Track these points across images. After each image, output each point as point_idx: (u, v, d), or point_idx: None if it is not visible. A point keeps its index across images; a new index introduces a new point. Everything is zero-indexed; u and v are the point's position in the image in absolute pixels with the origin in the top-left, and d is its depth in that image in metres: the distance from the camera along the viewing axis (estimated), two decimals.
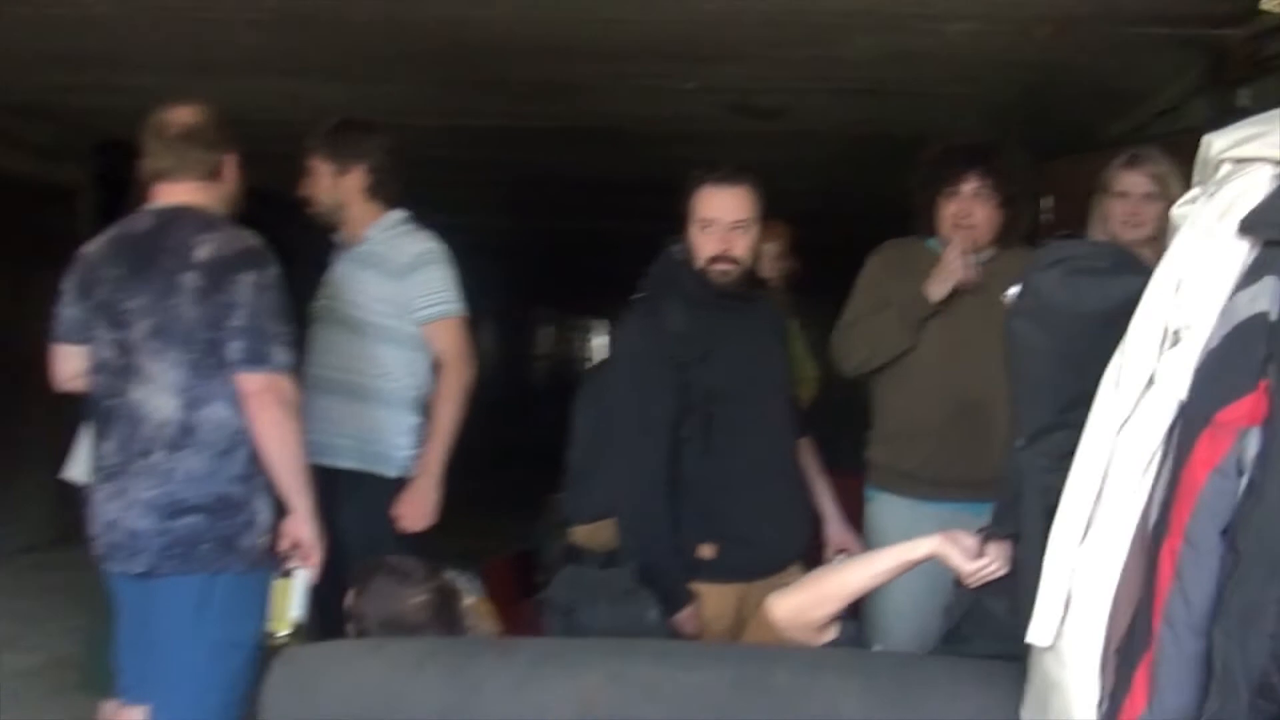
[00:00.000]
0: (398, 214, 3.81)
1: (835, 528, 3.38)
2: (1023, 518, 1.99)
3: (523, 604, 3.42)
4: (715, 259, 3.06)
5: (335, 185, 3.76)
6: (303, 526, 2.99)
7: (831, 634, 2.42)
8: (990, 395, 3.47)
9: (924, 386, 3.48)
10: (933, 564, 2.36)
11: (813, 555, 3.28)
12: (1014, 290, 1.93)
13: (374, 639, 2.62)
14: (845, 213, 9.28)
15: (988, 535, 2.24)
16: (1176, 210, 1.75)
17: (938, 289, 3.40)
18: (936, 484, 3.46)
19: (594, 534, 3.17)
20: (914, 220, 3.62)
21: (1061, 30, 4.85)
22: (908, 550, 2.36)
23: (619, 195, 9.62)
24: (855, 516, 3.55)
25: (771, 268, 4.88)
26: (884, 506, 3.55)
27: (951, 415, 3.44)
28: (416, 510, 3.64)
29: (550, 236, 13.35)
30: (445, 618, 2.71)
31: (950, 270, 3.38)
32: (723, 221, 3.05)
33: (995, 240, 3.51)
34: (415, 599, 2.67)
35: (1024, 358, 1.96)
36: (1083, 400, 1.91)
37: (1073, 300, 1.88)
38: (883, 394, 3.58)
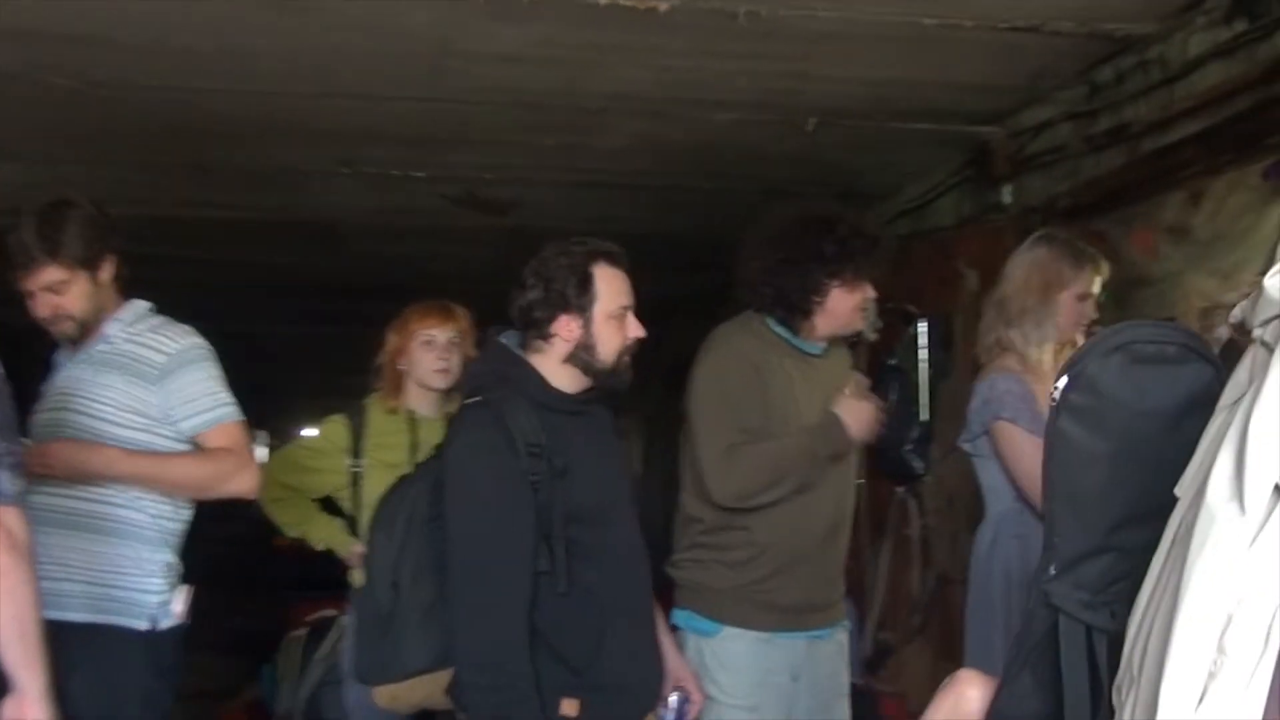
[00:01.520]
0: (141, 305, 3.11)
1: (675, 663, 2.90)
2: (1064, 667, 1.59)
3: None
4: (625, 351, 2.59)
5: (95, 290, 3.03)
6: (31, 710, 2.23)
7: None
8: (849, 508, 3.17)
9: (804, 512, 3.07)
10: None
11: None
12: (1062, 383, 1.55)
13: None
14: None
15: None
16: (1274, 281, 1.41)
17: (860, 436, 3.10)
18: (801, 614, 3.09)
19: (404, 694, 2.58)
20: (754, 293, 3.15)
21: (828, 123, 4.70)
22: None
23: (320, 298, 8.95)
24: None
25: None
26: (736, 644, 3.07)
27: (824, 538, 3.08)
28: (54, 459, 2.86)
29: (231, 340, 12.33)
30: None
31: (873, 422, 3.09)
32: (630, 306, 2.61)
33: None
34: None
35: (1072, 467, 1.57)
36: (1137, 519, 1.56)
37: (1136, 395, 1.52)
38: (748, 520, 3.06)
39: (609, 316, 2.56)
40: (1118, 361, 1.53)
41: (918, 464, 4.34)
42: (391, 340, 3.77)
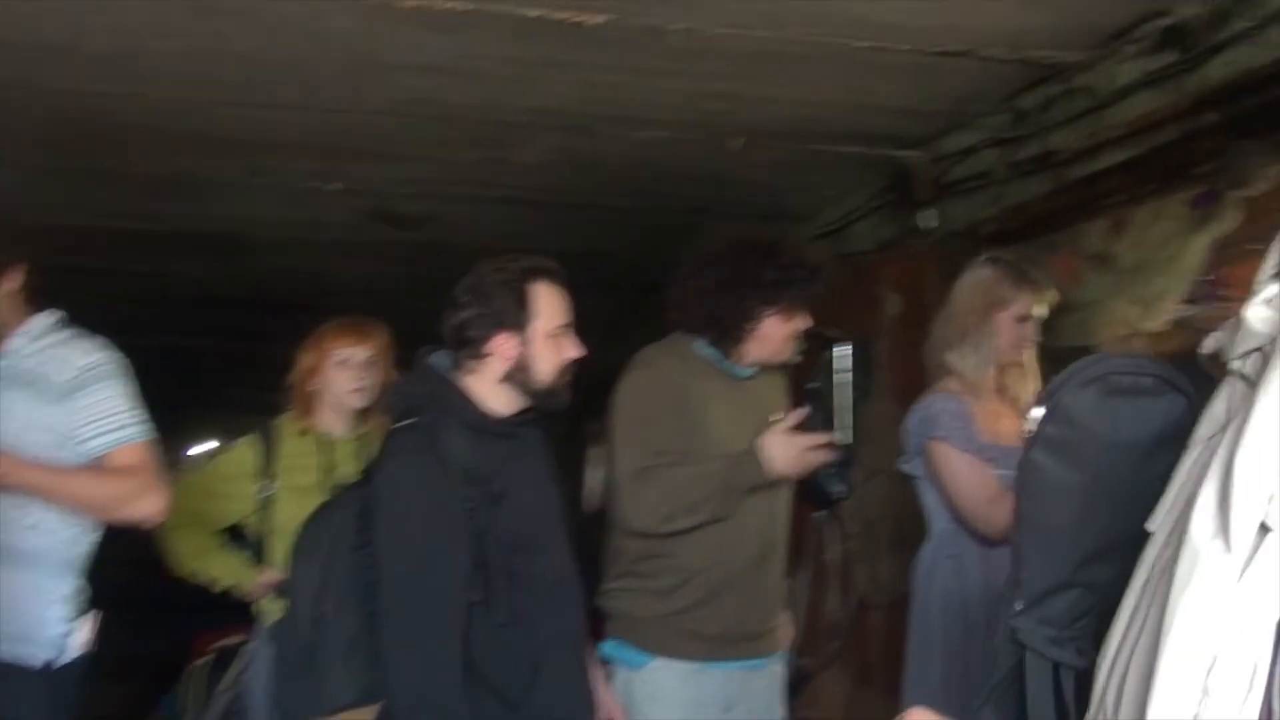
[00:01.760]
0: (48, 318, 2.94)
1: (603, 696, 2.81)
2: (1030, 705, 1.55)
3: None
4: (562, 370, 2.51)
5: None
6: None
7: None
8: (781, 533, 3.11)
9: (731, 538, 3.00)
10: None
11: None
12: (1036, 414, 1.51)
13: None
14: None
15: None
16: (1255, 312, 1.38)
17: (785, 471, 2.98)
18: (731, 643, 3.01)
19: None
20: (685, 314, 3.08)
21: (754, 143, 4.67)
22: None
23: (215, 311, 8.69)
24: None
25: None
26: (664, 675, 2.99)
27: (753, 565, 3.02)
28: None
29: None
30: None
31: (802, 460, 2.98)
32: (569, 324, 2.54)
33: None
34: None
35: (1044, 499, 1.53)
36: (1105, 553, 1.54)
37: (1110, 427, 1.48)
38: (673, 546, 2.99)
39: (547, 335, 2.48)
40: (1094, 392, 1.49)
41: (838, 488, 4.28)
42: (304, 359, 3.63)
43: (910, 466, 3.26)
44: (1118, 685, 1.36)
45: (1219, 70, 3.14)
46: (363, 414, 3.66)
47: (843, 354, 4.76)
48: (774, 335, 3.03)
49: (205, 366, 12.28)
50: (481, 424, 2.43)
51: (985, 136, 4.26)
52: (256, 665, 3.59)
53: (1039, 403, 1.53)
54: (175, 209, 5.84)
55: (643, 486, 2.91)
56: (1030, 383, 3.18)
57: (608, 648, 3.00)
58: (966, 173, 4.38)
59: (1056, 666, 1.55)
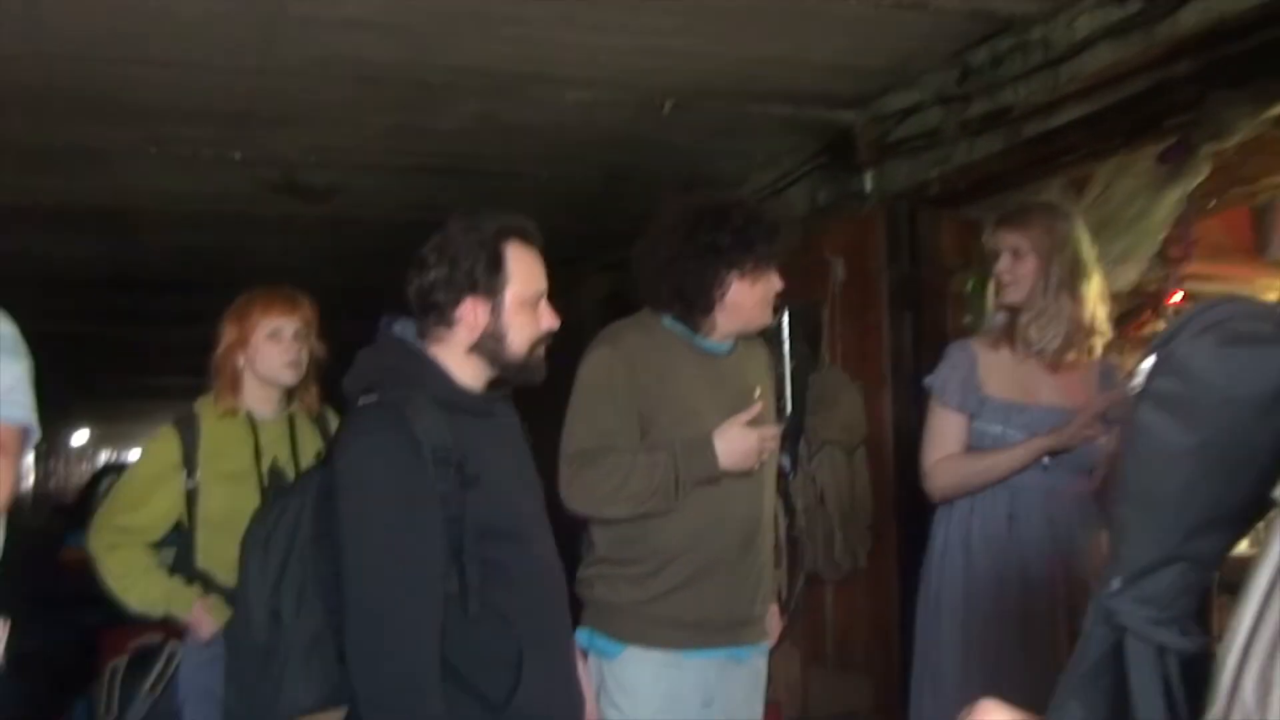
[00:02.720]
0: None
1: (590, 698, 2.60)
2: (1135, 694, 1.38)
3: None
4: (538, 342, 2.28)
5: None
6: None
7: None
8: (767, 514, 2.92)
9: (705, 515, 2.79)
10: None
11: None
12: (1146, 366, 1.34)
13: None
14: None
15: None
16: None
17: (739, 466, 2.77)
18: (711, 631, 2.82)
19: None
20: (649, 291, 2.89)
21: (684, 106, 4.49)
22: None
23: (99, 291, 8.26)
24: None
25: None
26: (638, 665, 2.79)
27: (736, 550, 2.82)
28: None
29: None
30: None
31: (754, 451, 2.77)
32: (544, 291, 2.31)
33: None
34: None
35: (1153, 464, 1.35)
36: (1216, 523, 1.37)
37: (1228, 380, 1.32)
38: (649, 530, 2.79)
39: (522, 302, 2.25)
40: (1210, 341, 1.33)
41: (783, 461, 4.17)
42: (229, 333, 3.33)
43: None
44: (1259, 675, 1.20)
45: (1192, 17, 3.03)
46: (289, 394, 3.39)
47: (780, 323, 4.59)
48: (743, 302, 2.84)
49: (91, 354, 11.75)
50: (454, 399, 2.20)
51: (930, 95, 4.13)
52: (187, 665, 3.30)
53: (1147, 353, 1.36)
54: (61, 182, 5.46)
55: (578, 470, 2.74)
56: (1050, 329, 2.97)
57: (581, 637, 2.80)
58: (910, 132, 4.25)
59: (1161, 651, 1.38)
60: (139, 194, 5.71)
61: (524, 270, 2.25)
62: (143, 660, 3.66)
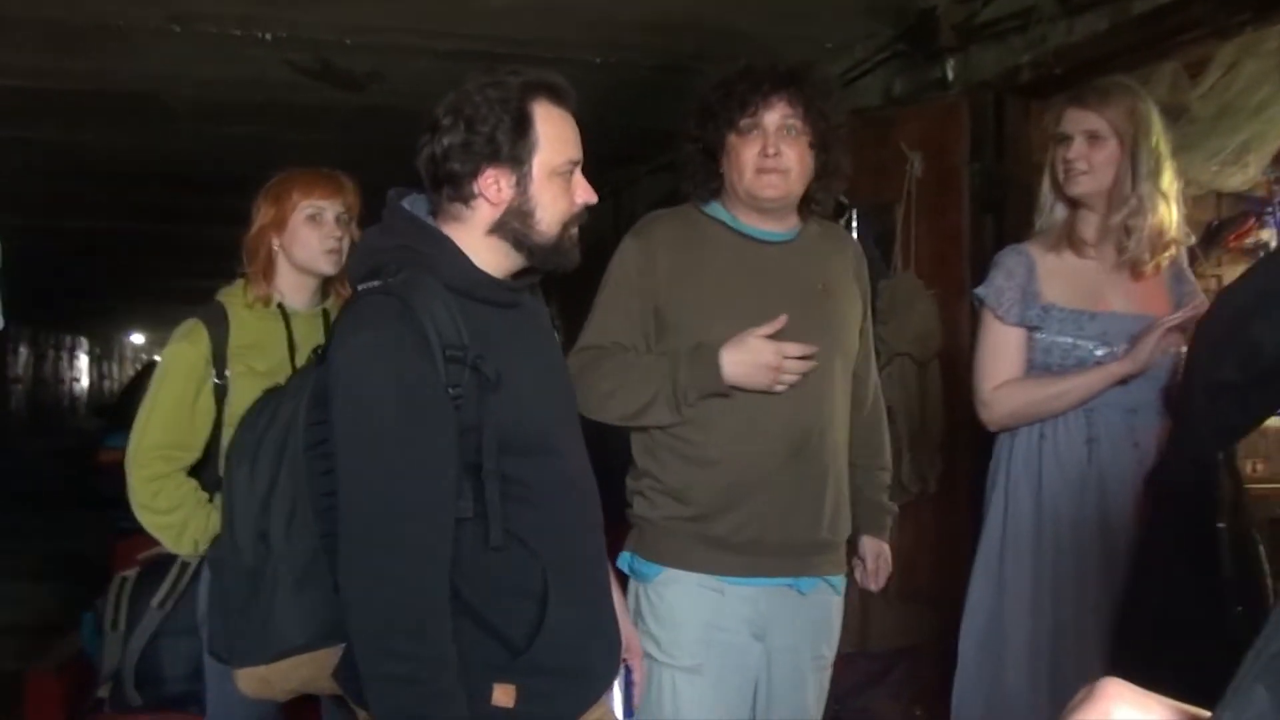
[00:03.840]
0: None
1: (626, 630, 2.30)
2: None
3: None
4: (571, 221, 1.93)
5: None
6: None
7: None
8: (828, 422, 2.55)
9: (747, 420, 2.46)
10: None
11: None
12: None
13: None
14: None
15: None
16: None
17: (745, 378, 2.42)
18: (759, 554, 2.49)
19: (276, 678, 1.93)
20: (690, 183, 2.59)
21: None
22: None
23: (139, 186, 7.98)
24: None
25: None
26: (675, 589, 2.49)
27: (785, 459, 2.47)
28: None
29: (42, 236, 11.09)
30: None
31: (768, 369, 2.41)
32: (579, 161, 1.95)
33: (803, 202, 2.58)
34: None
35: None
36: None
37: None
38: (686, 432, 2.48)
39: (553, 172, 1.90)
40: None
41: None
42: (264, 212, 2.99)
43: None
44: None
45: None
46: (326, 284, 3.08)
47: (848, 223, 4.21)
48: (738, 162, 2.47)
49: (135, 253, 11.54)
50: (472, 287, 1.85)
51: None
52: (202, 581, 3.00)
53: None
54: (79, 63, 5.14)
55: (584, 368, 2.43)
56: (1142, 230, 2.59)
57: (622, 561, 2.51)
58: (1000, 12, 3.82)
59: None
60: (166, 79, 5.38)
61: (555, 134, 1.90)
62: (154, 572, 3.41)
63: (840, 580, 2.62)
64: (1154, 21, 3.19)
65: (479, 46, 4.93)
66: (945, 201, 3.99)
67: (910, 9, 4.26)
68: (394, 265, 1.83)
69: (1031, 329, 2.64)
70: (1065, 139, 2.62)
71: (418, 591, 1.73)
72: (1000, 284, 2.66)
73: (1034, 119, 3.87)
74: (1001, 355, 2.65)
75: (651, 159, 6.43)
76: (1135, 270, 2.59)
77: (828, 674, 2.64)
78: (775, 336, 2.41)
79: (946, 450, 3.97)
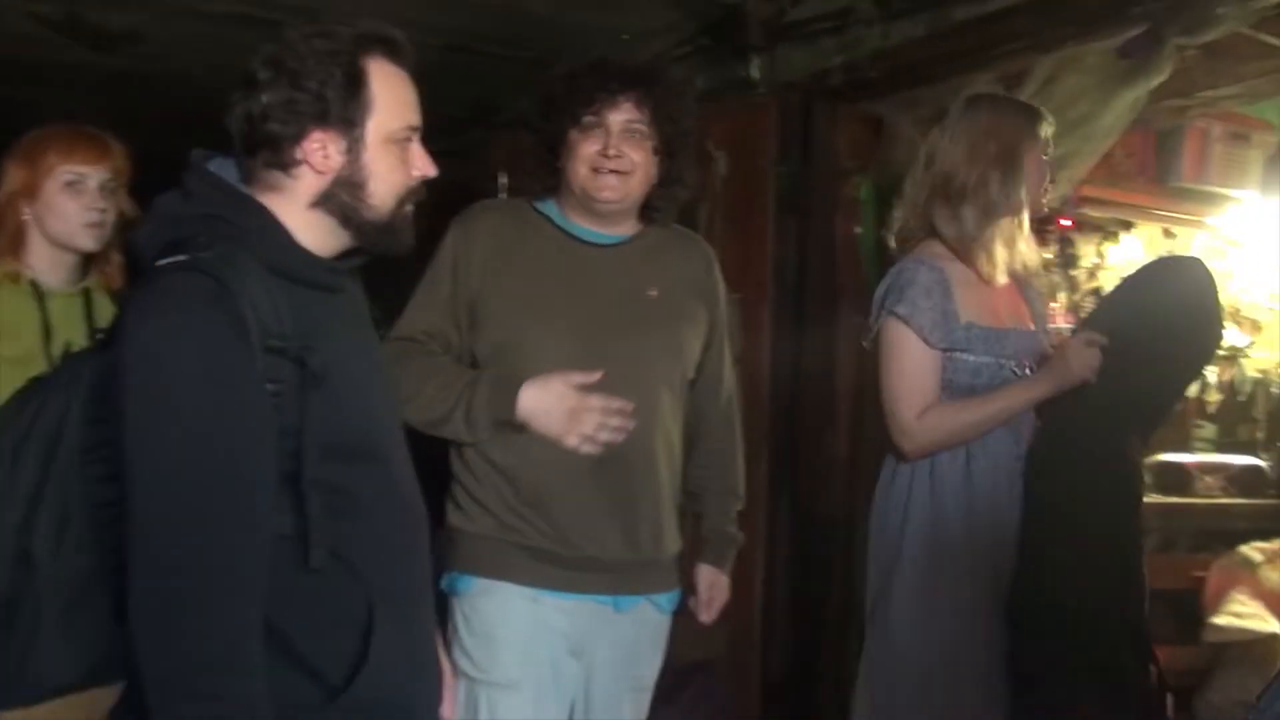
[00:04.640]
0: None
1: (444, 664, 2.08)
2: None
3: None
4: (407, 195, 1.70)
5: None
6: None
7: None
8: (642, 434, 2.36)
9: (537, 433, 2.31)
10: None
11: None
12: None
13: None
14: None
15: None
16: None
17: (542, 424, 2.26)
18: (573, 568, 2.34)
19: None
20: (526, 176, 2.48)
21: None
22: None
23: None
24: None
25: None
26: (489, 600, 2.33)
27: (586, 469, 2.31)
28: None
29: None
30: None
31: (566, 418, 2.24)
32: (418, 127, 1.72)
33: (645, 205, 2.43)
34: None
35: None
36: None
37: None
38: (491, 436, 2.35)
39: (389, 139, 1.66)
40: None
41: None
42: (14, 176, 2.62)
43: (871, 345, 2.65)
44: None
45: None
46: (88, 261, 2.73)
47: None
48: (575, 158, 2.36)
49: None
50: (295, 267, 1.59)
51: None
52: None
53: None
54: None
55: (390, 361, 2.15)
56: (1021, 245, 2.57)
57: (443, 582, 2.36)
58: (813, 12, 3.74)
59: None
60: None
61: (392, 95, 1.66)
62: None
63: (669, 597, 2.50)
64: (974, 31, 3.16)
65: (255, 12, 4.57)
66: (750, 203, 3.90)
67: (716, 3, 4.15)
68: (203, 238, 1.54)
69: (959, 351, 2.54)
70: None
71: (225, 620, 1.46)
72: (918, 301, 2.54)
73: (841, 123, 3.83)
74: (922, 380, 2.54)
75: (429, 144, 6.17)
76: (1002, 283, 2.56)
77: (647, 695, 2.53)
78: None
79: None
